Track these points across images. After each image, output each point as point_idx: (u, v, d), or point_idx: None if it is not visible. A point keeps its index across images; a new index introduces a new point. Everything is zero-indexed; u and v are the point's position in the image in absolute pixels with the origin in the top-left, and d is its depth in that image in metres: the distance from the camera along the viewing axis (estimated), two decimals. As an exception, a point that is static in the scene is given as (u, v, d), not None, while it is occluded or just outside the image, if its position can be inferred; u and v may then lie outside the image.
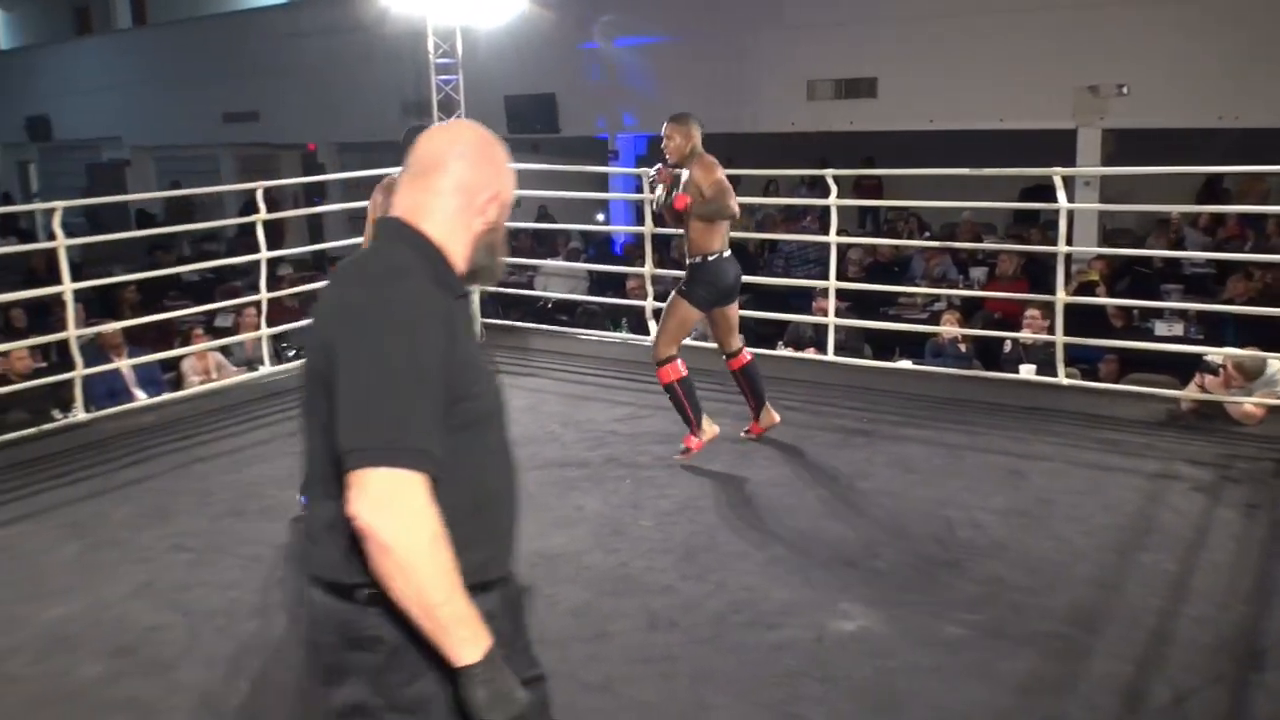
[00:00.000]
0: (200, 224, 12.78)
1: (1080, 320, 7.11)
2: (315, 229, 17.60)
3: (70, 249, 6.67)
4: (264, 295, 7.53)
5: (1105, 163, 11.46)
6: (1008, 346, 7.77)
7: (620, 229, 14.39)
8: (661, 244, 10.47)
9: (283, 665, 3.81)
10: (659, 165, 5.79)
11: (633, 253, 12.37)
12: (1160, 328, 8.72)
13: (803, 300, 9.43)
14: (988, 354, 8.11)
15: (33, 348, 7.64)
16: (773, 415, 6.09)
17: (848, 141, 13.84)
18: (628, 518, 5.03)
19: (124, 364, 7.48)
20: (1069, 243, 6.92)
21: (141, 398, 7.36)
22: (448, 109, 8.75)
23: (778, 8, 13.48)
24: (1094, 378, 7.33)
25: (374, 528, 1.74)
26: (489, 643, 1.82)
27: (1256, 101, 10.52)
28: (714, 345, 6.10)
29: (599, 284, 11.51)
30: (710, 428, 5.80)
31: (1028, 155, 8.39)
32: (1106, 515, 4.95)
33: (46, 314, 9.67)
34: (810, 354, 7.99)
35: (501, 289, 10.09)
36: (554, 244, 13.93)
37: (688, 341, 6.01)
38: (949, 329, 7.96)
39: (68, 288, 6.52)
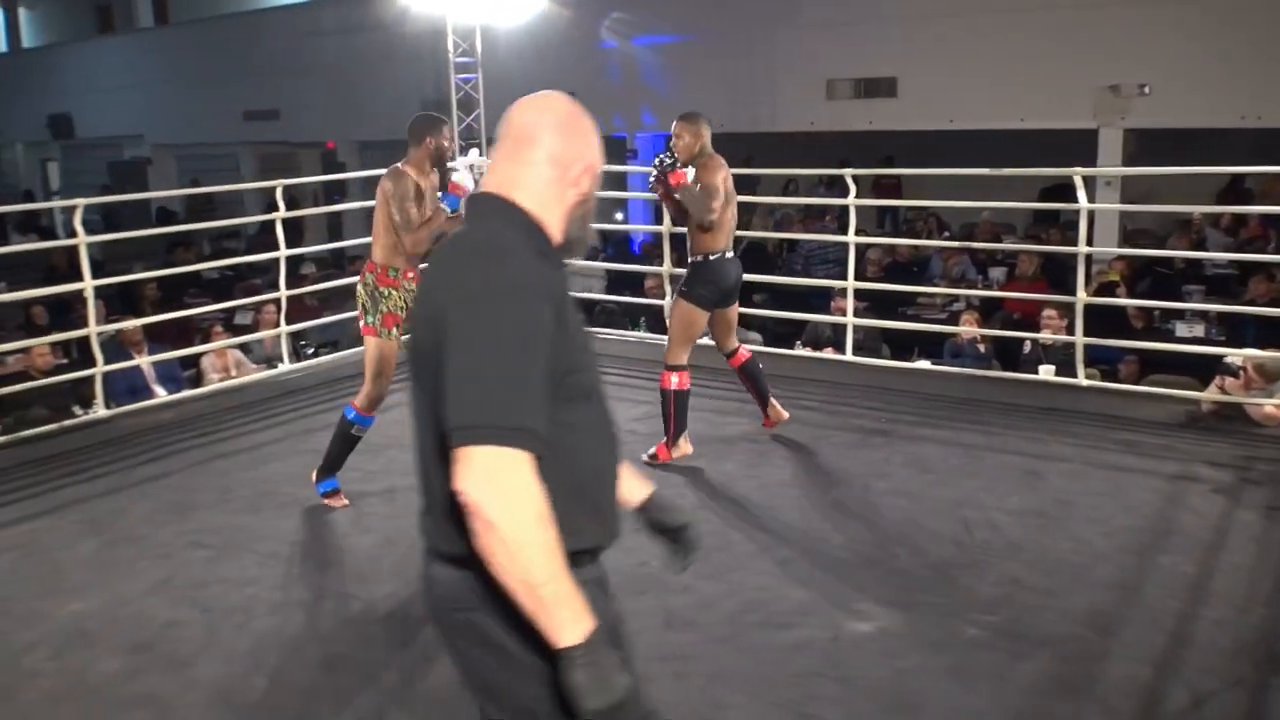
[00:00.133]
0: (220, 222, 12.85)
1: (1100, 321, 7.08)
2: (335, 227, 17.66)
3: (91, 246, 6.71)
4: (283, 293, 7.56)
5: (1126, 163, 11.41)
6: (1027, 347, 7.75)
7: (638, 228, 14.39)
8: (680, 243, 10.41)
9: (300, 662, 3.83)
10: (661, 155, 5.74)
11: (651, 252, 12.36)
12: (1181, 329, 8.68)
13: (822, 300, 9.42)
14: (1007, 354, 8.08)
15: (54, 344, 7.70)
16: (780, 411, 6.09)
17: (867, 141, 13.81)
18: (644, 517, 5.02)
19: (144, 361, 7.52)
20: (1089, 243, 6.88)
21: (161, 394, 7.39)
22: (467, 107, 8.77)
23: (797, 7, 13.46)
24: (1114, 379, 7.29)
25: (479, 505, 1.75)
26: (591, 625, 1.79)
27: (1278, 101, 10.46)
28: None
29: (617, 283, 11.50)
30: (685, 446, 5.83)
31: (1048, 155, 8.36)
32: (1125, 517, 4.92)
33: (68, 311, 9.74)
34: (828, 354, 7.97)
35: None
36: (572, 243, 13.94)
37: (703, 341, 6.00)
38: (968, 329, 7.93)
39: (89, 285, 6.56)
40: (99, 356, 6.60)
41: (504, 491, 1.75)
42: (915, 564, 4.50)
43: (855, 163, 9.38)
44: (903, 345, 8.66)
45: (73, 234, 6.55)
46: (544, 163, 2.01)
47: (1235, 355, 6.28)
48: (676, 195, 5.57)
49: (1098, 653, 3.75)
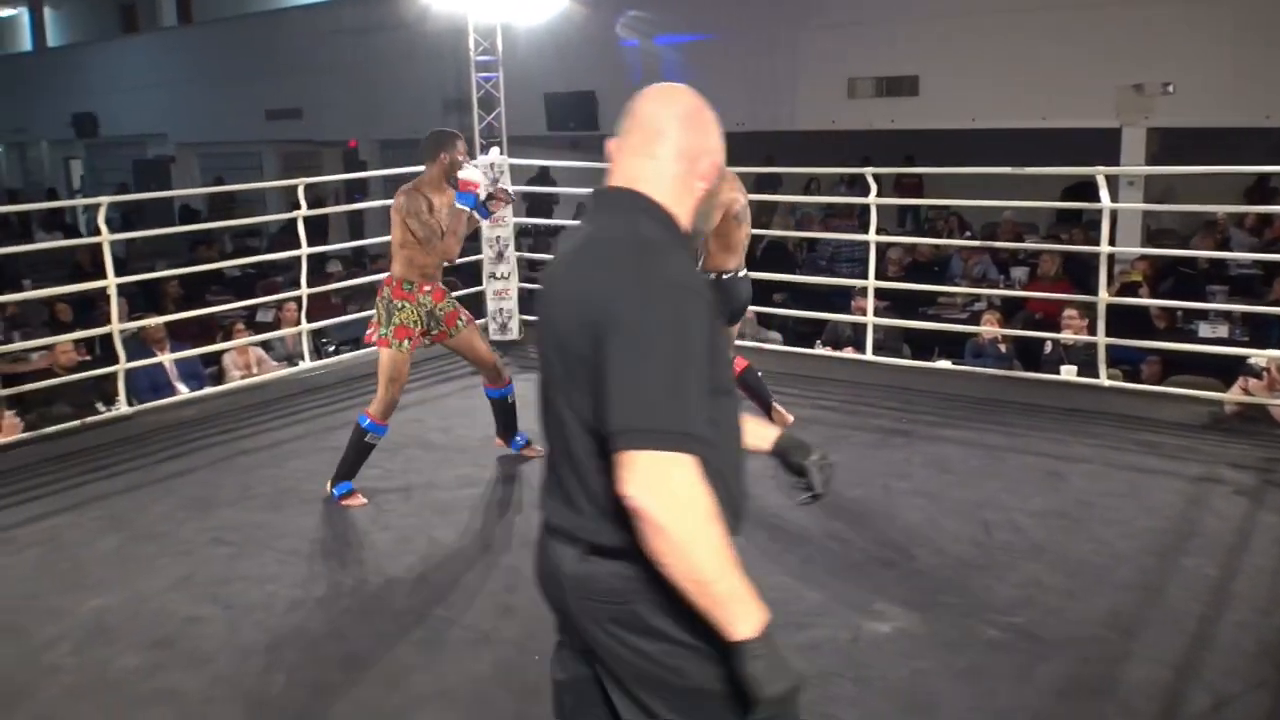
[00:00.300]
0: (242, 220, 12.91)
1: (1123, 321, 7.04)
2: (356, 225, 17.72)
3: (114, 244, 6.75)
4: (304, 291, 7.59)
5: (1150, 162, 11.33)
6: (1048, 347, 7.71)
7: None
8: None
9: (319, 659, 3.84)
10: None
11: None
12: (1204, 329, 8.61)
13: (843, 299, 9.39)
14: (1028, 355, 8.04)
15: (77, 341, 7.74)
16: (785, 415, 6.09)
17: (888, 140, 13.76)
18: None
19: (166, 358, 7.56)
20: (1112, 243, 6.84)
21: (183, 392, 7.43)
22: (488, 106, 8.77)
23: (819, 5, 13.42)
24: (1136, 379, 7.24)
25: (648, 510, 1.75)
26: (764, 617, 1.82)
27: (1304, 101, 10.38)
28: (752, 345, 6.09)
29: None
30: None
31: (1071, 154, 8.31)
32: (1147, 518, 4.89)
33: (91, 308, 9.80)
34: (849, 353, 7.95)
35: (538, 286, 10.10)
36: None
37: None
38: (989, 329, 7.90)
39: (111, 282, 6.60)
40: (122, 354, 6.64)
41: (672, 496, 1.76)
42: (935, 565, 4.48)
43: (877, 162, 9.34)
44: (923, 345, 8.62)
45: (96, 232, 6.60)
46: (672, 157, 2.01)
47: (1259, 356, 6.23)
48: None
49: (1119, 654, 3.73)
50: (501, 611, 4.14)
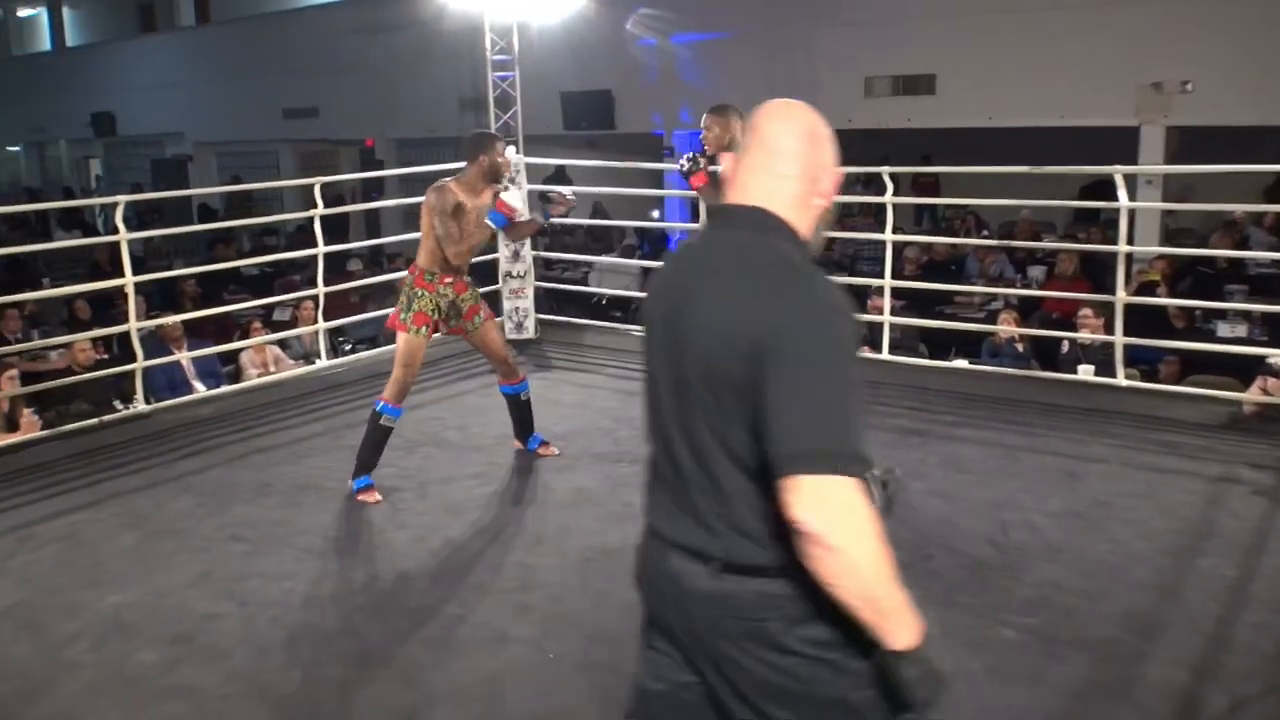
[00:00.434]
0: (260, 219, 12.95)
1: (1141, 320, 7.00)
2: (373, 224, 17.77)
3: (132, 243, 6.78)
4: (320, 290, 7.61)
5: (1168, 161, 11.27)
6: (1065, 347, 7.68)
7: (675, 225, 14.37)
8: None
9: (335, 656, 3.86)
10: (692, 153, 5.74)
11: (687, 249, 12.34)
12: (1223, 329, 8.56)
13: (860, 298, 9.36)
14: (1045, 354, 8.01)
15: (95, 340, 7.78)
16: None
17: (905, 139, 13.73)
18: (679, 515, 5.01)
19: (184, 356, 7.59)
20: (1130, 242, 6.81)
21: (201, 390, 7.46)
22: (504, 105, 8.78)
23: (835, 4, 13.40)
24: (1154, 379, 7.21)
25: (823, 534, 1.78)
26: (921, 627, 1.88)
27: (1325, 99, 10.32)
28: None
29: (653, 280, 11.50)
30: None
31: (1089, 153, 8.27)
32: (1164, 519, 4.87)
33: (109, 306, 9.84)
34: (865, 352, 7.93)
35: (556, 284, 10.13)
36: (609, 240, 13.96)
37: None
38: (1006, 329, 7.87)
39: (129, 281, 6.62)
40: (140, 352, 6.67)
41: (846, 519, 1.79)
42: (951, 565, 4.47)
43: (894, 161, 9.32)
44: (940, 344, 8.60)
45: (115, 231, 6.63)
46: (795, 175, 2.03)
47: (1278, 356, 6.20)
48: (701, 197, 5.56)
49: (1136, 656, 3.71)
50: (516, 610, 4.15)
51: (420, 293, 5.38)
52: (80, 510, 5.34)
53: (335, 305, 8.25)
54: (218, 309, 8.95)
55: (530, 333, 8.60)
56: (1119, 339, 6.55)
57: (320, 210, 7.43)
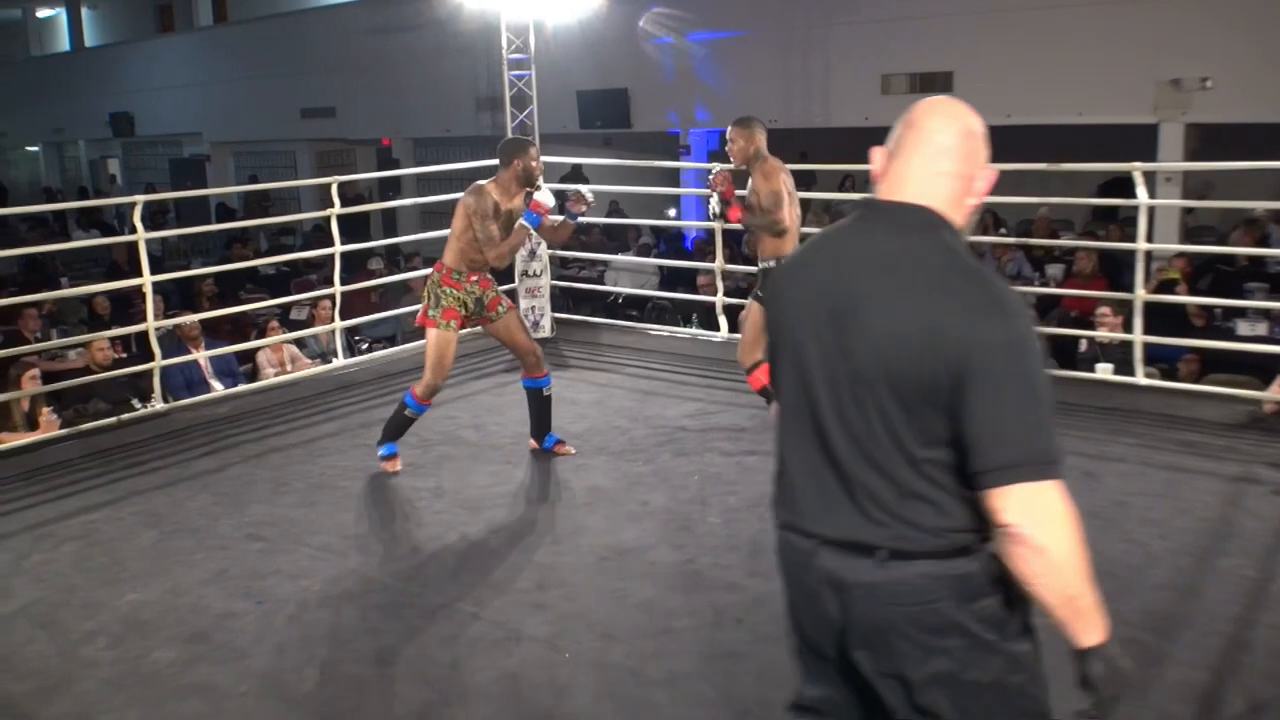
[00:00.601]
0: (277, 218, 12.98)
1: (1160, 319, 6.96)
2: (390, 223, 17.81)
3: (150, 242, 6.81)
4: (337, 289, 7.63)
5: (1188, 158, 11.20)
6: (1084, 345, 7.64)
7: (691, 224, 14.37)
8: (733, 239, 10.44)
9: (351, 654, 3.86)
10: (719, 168, 5.79)
11: (704, 248, 12.34)
12: (1243, 327, 8.50)
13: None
14: (1064, 352, 7.97)
15: (113, 339, 7.82)
16: None
17: (922, 136, 13.66)
18: (695, 514, 5.02)
19: (201, 355, 7.62)
20: (1149, 240, 6.77)
21: (218, 389, 7.49)
22: (520, 104, 8.78)
23: (852, 1, 13.36)
24: (1173, 378, 7.17)
25: (1034, 538, 1.86)
26: (1107, 624, 1.95)
27: (1347, 95, 10.24)
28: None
29: (669, 279, 11.52)
30: None
31: (1107, 150, 8.22)
32: (1183, 519, 4.84)
33: (127, 306, 9.89)
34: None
35: (572, 283, 10.13)
36: (625, 239, 13.96)
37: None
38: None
39: (147, 280, 6.65)
40: (157, 351, 6.71)
41: (1056, 524, 1.87)
42: (968, 564, 4.44)
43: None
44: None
45: (133, 230, 6.66)
46: (954, 175, 2.03)
47: (1299, 354, 6.16)
48: (742, 228, 5.61)
49: (1153, 656, 3.68)
50: (532, 609, 4.15)
51: (447, 290, 5.49)
52: (98, 509, 5.37)
53: (353, 304, 8.27)
54: (235, 308, 8.98)
55: (546, 331, 8.61)
56: (1138, 337, 6.52)
57: (337, 210, 7.45)
